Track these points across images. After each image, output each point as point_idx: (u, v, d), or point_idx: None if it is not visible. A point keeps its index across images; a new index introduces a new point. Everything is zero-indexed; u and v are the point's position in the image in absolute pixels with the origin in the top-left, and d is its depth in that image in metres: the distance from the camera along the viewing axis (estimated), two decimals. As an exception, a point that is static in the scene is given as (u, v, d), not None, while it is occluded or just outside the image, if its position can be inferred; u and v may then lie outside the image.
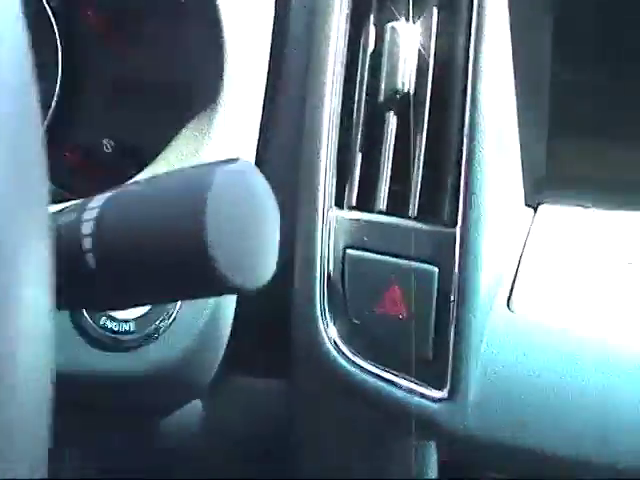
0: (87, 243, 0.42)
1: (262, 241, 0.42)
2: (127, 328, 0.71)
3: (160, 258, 0.40)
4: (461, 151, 0.66)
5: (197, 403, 0.82)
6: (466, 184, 0.65)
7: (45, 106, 0.85)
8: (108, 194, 0.44)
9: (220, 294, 0.43)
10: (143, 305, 0.47)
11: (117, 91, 0.85)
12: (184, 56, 0.78)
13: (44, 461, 0.35)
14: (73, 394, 0.74)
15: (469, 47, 0.66)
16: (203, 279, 0.40)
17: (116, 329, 0.71)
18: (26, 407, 0.33)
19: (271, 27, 0.77)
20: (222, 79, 0.72)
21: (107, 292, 0.44)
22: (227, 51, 0.71)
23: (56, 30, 0.84)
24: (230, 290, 0.40)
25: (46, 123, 0.85)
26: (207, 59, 0.72)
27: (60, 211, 0.45)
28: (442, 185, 0.67)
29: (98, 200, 0.43)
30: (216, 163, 0.41)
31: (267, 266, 0.42)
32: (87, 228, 0.42)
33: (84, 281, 0.43)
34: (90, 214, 0.43)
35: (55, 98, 0.84)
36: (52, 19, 0.84)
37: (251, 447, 0.87)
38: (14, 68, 0.34)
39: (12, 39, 0.34)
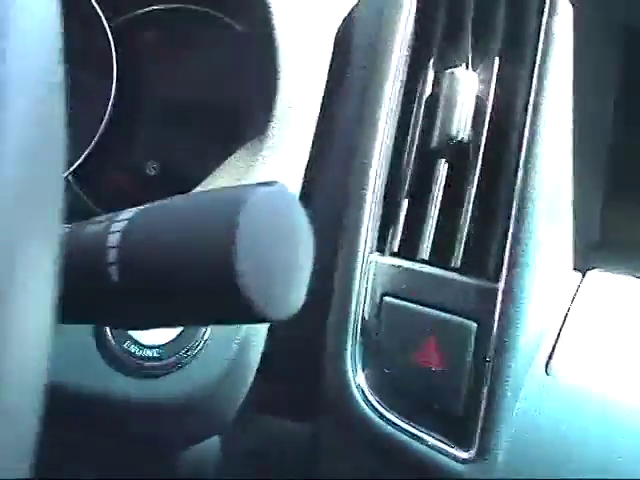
0: (112, 255, 0.41)
1: (294, 268, 0.40)
2: (151, 354, 0.69)
3: (186, 276, 0.39)
4: (511, 206, 0.64)
5: (215, 439, 0.80)
6: (513, 240, 0.63)
7: (96, 125, 0.85)
8: (139, 207, 0.42)
9: (246, 321, 0.41)
10: (164, 327, 0.46)
11: (166, 115, 0.84)
12: (237, 84, 0.77)
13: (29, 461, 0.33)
14: (91, 415, 0.73)
15: (529, 101, 0.64)
16: (229, 301, 0.38)
17: (140, 354, 0.69)
18: (14, 411, 0.31)
19: (329, 64, 0.76)
20: (273, 111, 0.71)
21: (128, 308, 0.42)
22: (281, 83, 0.70)
23: (113, 51, 0.84)
24: (256, 316, 0.38)
25: (95, 142, 0.85)
26: (260, 89, 0.72)
27: (89, 221, 0.44)
28: (489, 239, 0.65)
29: (128, 212, 0.42)
30: (253, 185, 0.39)
31: (297, 295, 0.40)
32: (113, 240, 0.41)
33: (105, 294, 0.42)
34: (118, 226, 0.41)
35: (106, 118, 0.84)
36: (111, 39, 0.84)
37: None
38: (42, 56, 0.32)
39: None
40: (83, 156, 0.85)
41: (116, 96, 0.84)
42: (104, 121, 0.84)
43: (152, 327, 0.46)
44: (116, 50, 0.84)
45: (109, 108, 0.84)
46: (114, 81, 0.84)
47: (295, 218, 0.40)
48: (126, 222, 0.41)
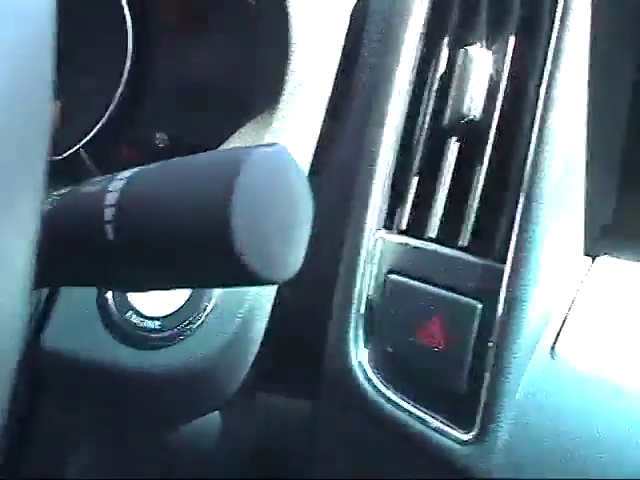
0: (109, 214, 0.40)
1: (292, 226, 0.39)
2: (153, 326, 0.69)
3: (181, 234, 0.38)
4: (522, 186, 0.63)
5: (216, 415, 0.79)
6: (522, 221, 0.62)
7: (109, 98, 0.84)
8: (139, 168, 0.42)
9: (244, 283, 0.41)
10: (160, 288, 0.45)
11: (178, 88, 0.84)
12: (250, 57, 0.77)
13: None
14: (90, 383, 0.73)
15: (542, 80, 0.63)
16: (224, 261, 0.37)
17: (141, 325, 0.69)
18: None
19: (343, 40, 0.75)
20: (285, 84, 0.70)
21: (123, 268, 0.42)
22: (294, 57, 0.70)
23: (129, 22, 0.83)
24: (251, 276, 0.37)
25: (108, 115, 0.84)
26: (272, 62, 0.71)
27: (88, 181, 0.43)
28: (497, 219, 0.64)
29: (128, 172, 0.42)
30: (253, 146, 0.39)
31: (295, 255, 0.39)
32: (111, 198, 0.40)
33: (101, 254, 0.41)
34: (116, 185, 0.41)
35: (119, 90, 0.84)
36: (127, 13, 0.84)
37: (265, 466, 0.84)
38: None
39: None
40: (96, 129, 0.85)
41: (130, 69, 0.84)
42: (117, 94, 0.84)
43: (147, 289, 0.45)
44: (132, 21, 0.84)
45: (123, 81, 0.84)
46: (129, 54, 0.84)
47: (293, 177, 0.40)
48: (125, 181, 0.41)
